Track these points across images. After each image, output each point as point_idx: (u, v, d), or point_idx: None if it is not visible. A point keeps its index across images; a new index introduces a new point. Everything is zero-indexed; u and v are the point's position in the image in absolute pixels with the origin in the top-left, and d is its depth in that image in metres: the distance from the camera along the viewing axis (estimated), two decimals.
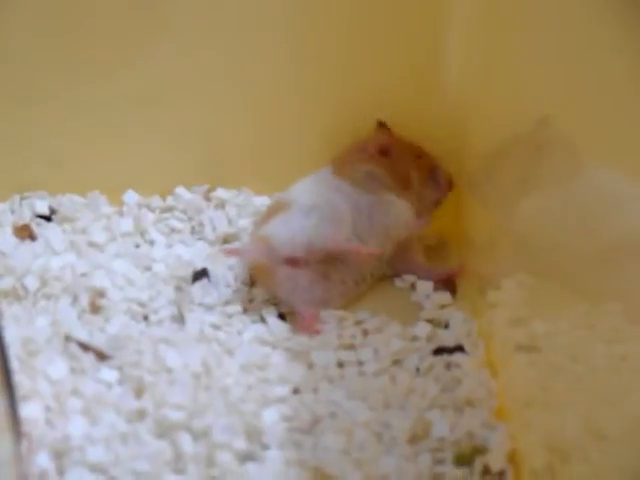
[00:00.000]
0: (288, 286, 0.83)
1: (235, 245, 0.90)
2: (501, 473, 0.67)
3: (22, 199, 0.94)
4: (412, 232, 0.88)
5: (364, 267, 0.86)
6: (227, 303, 0.84)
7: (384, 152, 0.89)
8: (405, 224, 0.87)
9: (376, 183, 0.88)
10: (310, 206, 0.85)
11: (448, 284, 0.88)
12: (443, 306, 0.85)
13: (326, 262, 0.84)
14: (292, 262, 0.83)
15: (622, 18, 0.55)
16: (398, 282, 0.89)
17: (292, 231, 0.83)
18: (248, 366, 0.76)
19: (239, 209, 0.93)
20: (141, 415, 0.71)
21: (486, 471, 0.67)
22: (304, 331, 0.81)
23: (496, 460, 0.67)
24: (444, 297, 0.86)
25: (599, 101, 0.59)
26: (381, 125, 0.90)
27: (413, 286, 0.88)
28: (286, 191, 0.88)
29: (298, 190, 0.87)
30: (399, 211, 0.87)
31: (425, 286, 0.87)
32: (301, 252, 0.83)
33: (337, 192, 0.86)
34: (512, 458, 0.68)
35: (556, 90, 0.66)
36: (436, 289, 0.87)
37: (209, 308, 0.83)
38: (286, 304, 0.84)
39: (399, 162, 0.89)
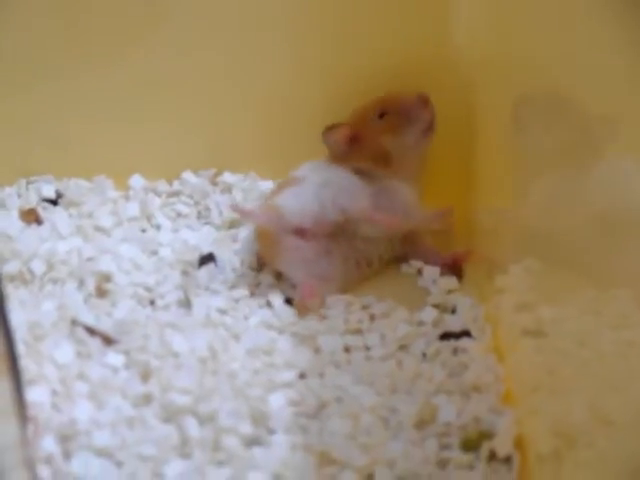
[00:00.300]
0: (293, 257, 0.83)
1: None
2: (507, 458, 0.67)
3: (28, 183, 0.95)
4: (426, 223, 0.88)
5: (373, 248, 0.86)
6: (233, 287, 0.84)
7: (352, 141, 0.87)
8: (413, 210, 0.87)
9: (368, 175, 0.87)
10: (325, 180, 0.85)
11: (455, 269, 0.87)
12: (450, 291, 0.85)
13: (331, 238, 0.84)
14: (300, 232, 0.83)
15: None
16: (405, 267, 0.89)
17: (303, 202, 0.83)
18: (254, 351, 0.76)
19: (245, 193, 0.93)
20: (147, 399, 0.71)
21: (492, 456, 0.67)
22: (301, 305, 0.81)
23: (503, 445, 0.67)
24: (451, 282, 0.85)
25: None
26: (328, 129, 0.88)
27: (420, 271, 0.88)
28: (297, 169, 0.88)
29: (309, 168, 0.87)
30: (404, 197, 0.87)
31: (432, 271, 0.87)
32: (309, 223, 0.83)
33: (345, 174, 0.86)
34: (519, 443, 0.68)
35: (565, 56, 0.66)
36: (442, 274, 0.86)
37: (215, 292, 0.83)
38: (287, 275, 0.84)
39: (367, 142, 0.88)
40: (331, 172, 0.86)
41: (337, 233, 0.84)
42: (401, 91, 0.88)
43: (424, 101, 0.87)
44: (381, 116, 0.88)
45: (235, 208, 0.86)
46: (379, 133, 0.88)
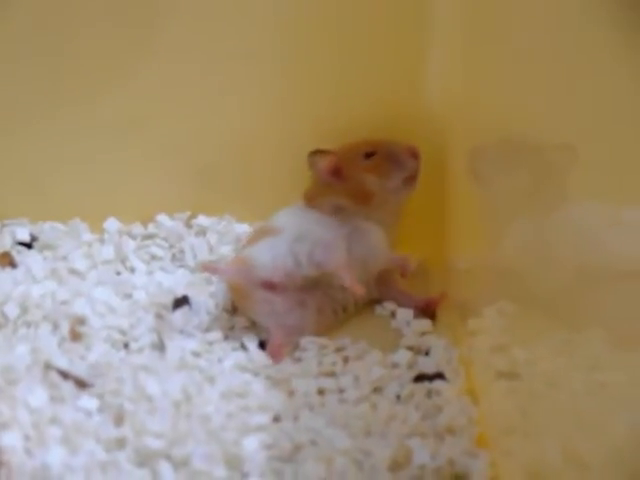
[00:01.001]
0: (264, 309, 0.83)
1: (214, 263, 0.88)
2: None
3: (3, 226, 0.94)
4: (393, 265, 0.87)
5: (349, 294, 0.85)
6: (208, 330, 0.83)
7: (336, 173, 0.87)
8: (382, 252, 0.86)
9: (344, 212, 0.87)
10: (300, 232, 0.84)
11: (428, 311, 0.87)
12: (423, 333, 0.84)
13: (304, 290, 0.83)
14: (269, 286, 0.83)
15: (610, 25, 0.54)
16: (378, 309, 0.88)
17: (276, 255, 0.83)
18: (228, 394, 0.75)
19: (220, 236, 0.93)
20: (121, 443, 0.70)
21: None
22: (270, 357, 0.80)
23: None
24: (424, 324, 0.85)
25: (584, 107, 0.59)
26: (315, 154, 0.87)
27: (393, 314, 0.87)
28: (271, 219, 0.87)
29: (284, 218, 0.87)
30: (376, 240, 0.86)
31: (405, 313, 0.86)
32: (281, 277, 0.82)
33: (320, 222, 0.86)
34: None
35: (539, 96, 0.66)
36: (416, 316, 0.86)
37: (189, 335, 0.82)
38: (261, 326, 0.83)
39: (350, 178, 0.87)
40: (307, 222, 0.85)
41: (311, 284, 0.83)
42: (389, 138, 0.89)
43: (414, 152, 0.88)
44: (369, 155, 0.87)
45: (205, 267, 0.85)
46: (364, 171, 0.87)
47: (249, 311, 0.84)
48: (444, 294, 0.87)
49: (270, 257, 0.83)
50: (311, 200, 0.88)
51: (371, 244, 0.86)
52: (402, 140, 0.89)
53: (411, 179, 0.88)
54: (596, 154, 0.57)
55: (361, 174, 0.87)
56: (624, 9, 0.53)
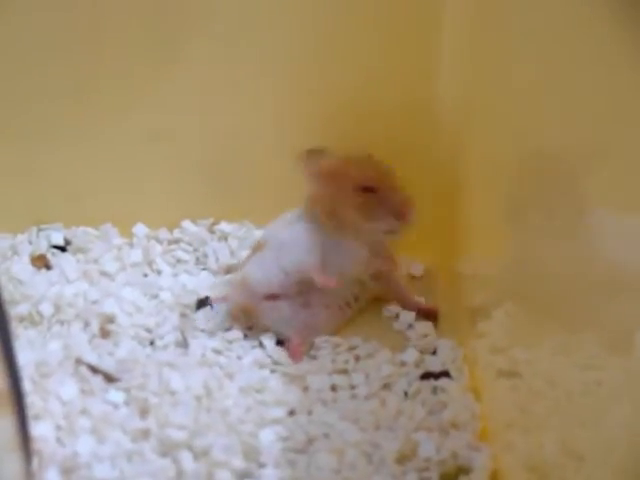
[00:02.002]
0: (273, 317, 0.83)
1: (208, 298, 0.86)
2: None
3: (39, 231, 0.94)
4: (376, 271, 0.85)
5: (347, 290, 0.84)
6: (228, 329, 0.83)
7: (320, 180, 0.82)
8: (357, 264, 0.83)
9: (322, 224, 0.83)
10: (281, 243, 0.83)
11: (430, 315, 0.86)
12: (425, 335, 0.84)
13: (305, 292, 0.83)
14: (272, 297, 0.83)
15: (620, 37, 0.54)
16: (386, 312, 0.87)
17: (266, 270, 0.82)
18: (247, 389, 0.75)
19: (240, 241, 0.93)
20: (145, 434, 0.70)
21: None
22: (291, 358, 0.80)
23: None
24: (426, 327, 0.84)
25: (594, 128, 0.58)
26: (312, 153, 0.83)
27: (397, 316, 0.87)
28: (267, 228, 0.87)
29: (270, 230, 0.86)
30: (347, 253, 0.83)
31: (408, 316, 0.86)
32: (277, 289, 0.82)
33: (299, 230, 0.84)
34: (494, 478, 0.67)
35: (539, 126, 0.66)
36: (418, 319, 0.85)
37: (211, 334, 0.82)
38: (278, 333, 0.83)
39: (336, 200, 0.82)
40: (289, 231, 0.84)
41: (309, 286, 0.82)
42: (396, 176, 0.82)
43: (404, 213, 0.80)
44: (366, 190, 0.81)
45: (212, 301, 0.85)
46: (351, 204, 0.81)
47: (262, 323, 0.83)
48: (436, 308, 0.86)
49: (262, 272, 0.82)
50: (308, 201, 0.85)
51: (343, 257, 0.83)
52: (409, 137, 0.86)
53: (392, 232, 0.82)
54: (605, 158, 0.56)
55: (346, 204, 0.81)
56: (634, 8, 0.52)
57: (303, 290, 0.82)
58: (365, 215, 0.81)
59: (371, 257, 0.83)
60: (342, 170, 0.82)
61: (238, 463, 0.68)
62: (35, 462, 0.65)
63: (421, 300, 0.88)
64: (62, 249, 0.93)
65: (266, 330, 0.83)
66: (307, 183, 0.83)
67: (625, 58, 0.52)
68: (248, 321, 0.83)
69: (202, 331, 0.83)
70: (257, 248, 0.86)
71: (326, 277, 0.81)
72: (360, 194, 0.81)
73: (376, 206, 0.80)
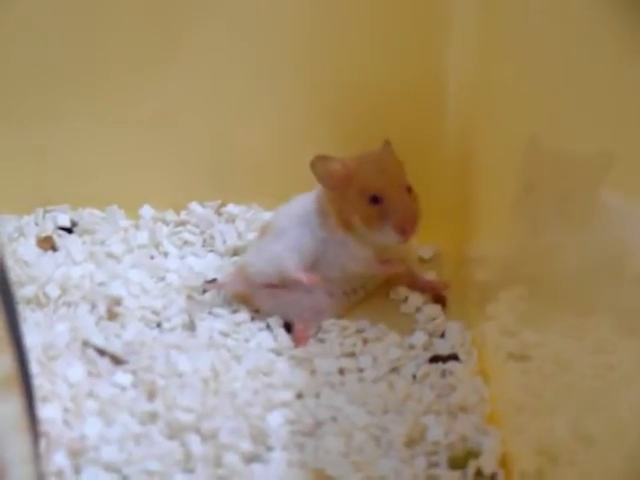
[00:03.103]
0: (271, 305, 0.82)
1: (215, 280, 0.86)
2: (493, 476, 0.66)
3: (45, 212, 0.94)
4: (379, 273, 0.84)
5: (349, 281, 0.83)
6: (235, 312, 0.83)
7: (337, 187, 0.81)
8: (359, 262, 0.82)
9: (329, 220, 0.82)
10: (280, 231, 0.83)
11: (438, 298, 0.86)
12: (434, 318, 0.83)
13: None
14: (271, 286, 0.82)
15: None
16: (392, 295, 0.87)
17: (263, 260, 0.82)
18: (254, 372, 0.75)
19: (248, 223, 0.93)
20: (153, 417, 0.70)
21: (479, 474, 0.66)
22: (296, 343, 0.80)
23: (488, 463, 0.66)
24: (435, 310, 0.84)
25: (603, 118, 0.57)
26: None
27: (406, 299, 0.86)
28: (275, 212, 0.87)
29: (279, 213, 0.85)
30: (350, 251, 0.82)
31: (416, 299, 0.85)
32: (274, 279, 0.82)
33: (306, 220, 0.83)
34: (503, 461, 0.67)
35: (549, 108, 0.65)
36: (426, 302, 0.85)
37: (218, 316, 0.82)
38: (283, 318, 0.82)
39: (346, 202, 0.80)
40: (289, 221, 0.83)
41: (311, 272, 0.81)
42: (406, 179, 0.81)
43: (406, 231, 0.78)
44: (373, 200, 0.79)
45: (209, 287, 0.84)
46: (356, 210, 0.80)
47: (263, 310, 0.83)
48: (447, 282, 0.86)
49: (261, 263, 0.82)
50: (321, 191, 0.84)
51: (345, 255, 0.82)
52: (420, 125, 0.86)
53: (396, 240, 0.80)
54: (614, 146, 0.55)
55: (353, 211, 0.80)
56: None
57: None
58: (368, 225, 0.80)
59: (375, 259, 0.82)
60: (350, 176, 0.80)
61: (246, 446, 0.67)
62: (42, 445, 0.65)
63: (431, 277, 0.88)
64: (68, 231, 0.93)
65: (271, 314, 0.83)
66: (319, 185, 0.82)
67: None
68: (249, 307, 0.83)
69: (209, 313, 0.82)
70: (263, 232, 0.85)
71: (309, 276, 0.81)
72: (365, 203, 0.80)
73: (380, 217, 0.79)
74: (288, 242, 0.82)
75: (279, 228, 0.83)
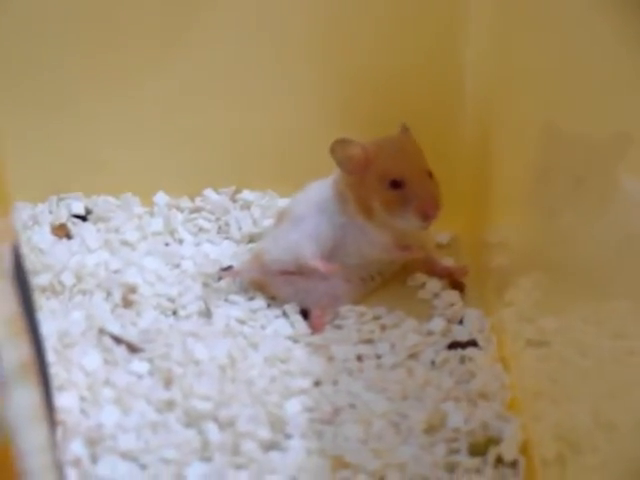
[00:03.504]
0: (287, 292, 0.82)
1: (231, 267, 0.86)
2: (514, 463, 0.66)
3: (59, 200, 0.94)
4: (399, 259, 0.84)
5: (367, 268, 0.83)
6: (251, 299, 0.82)
7: (357, 171, 0.80)
8: (378, 248, 0.82)
9: (348, 206, 0.81)
10: (298, 218, 0.82)
11: (457, 284, 0.85)
12: (452, 304, 0.83)
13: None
14: (287, 273, 0.82)
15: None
16: (410, 281, 0.86)
17: (280, 247, 0.82)
18: (271, 359, 0.74)
19: (263, 210, 0.92)
20: (170, 405, 0.70)
21: (499, 461, 0.66)
22: (312, 329, 0.79)
23: (509, 450, 0.66)
24: (453, 296, 0.83)
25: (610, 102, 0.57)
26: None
27: (423, 285, 0.86)
28: (292, 199, 0.86)
29: (296, 199, 0.85)
30: (369, 237, 0.81)
31: (433, 285, 0.85)
32: (291, 267, 0.81)
33: (324, 206, 0.82)
34: (524, 448, 0.67)
35: (568, 92, 0.64)
36: (444, 288, 0.84)
37: (234, 303, 0.82)
38: (299, 305, 0.82)
39: (366, 187, 0.80)
40: (308, 208, 0.82)
41: (329, 259, 0.81)
42: (425, 163, 0.80)
43: (429, 214, 0.78)
44: (394, 185, 0.79)
45: (224, 274, 0.84)
46: (378, 196, 0.79)
47: (279, 297, 0.82)
48: (466, 268, 0.86)
49: (278, 250, 0.82)
50: (339, 176, 0.83)
51: (364, 240, 0.81)
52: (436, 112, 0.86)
53: (417, 224, 0.79)
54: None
55: (373, 195, 0.79)
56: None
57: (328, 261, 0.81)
58: (390, 210, 0.79)
59: (395, 244, 0.82)
60: (370, 161, 0.80)
61: (264, 434, 0.67)
62: (59, 433, 0.65)
63: (450, 262, 0.87)
64: (83, 218, 0.93)
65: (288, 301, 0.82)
66: (339, 170, 0.82)
67: None
68: (265, 294, 0.83)
69: (225, 300, 0.82)
70: (280, 219, 0.85)
71: (327, 265, 0.80)
72: (386, 188, 0.79)
73: (401, 202, 0.78)
74: (306, 230, 0.81)
75: (296, 215, 0.83)
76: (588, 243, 0.62)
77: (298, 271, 0.81)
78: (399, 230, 0.81)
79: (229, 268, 0.85)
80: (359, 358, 0.76)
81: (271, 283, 0.82)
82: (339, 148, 0.79)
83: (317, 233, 0.81)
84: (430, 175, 0.80)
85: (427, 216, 0.78)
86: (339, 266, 0.80)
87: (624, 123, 0.55)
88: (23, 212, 0.92)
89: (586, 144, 0.61)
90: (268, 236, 0.85)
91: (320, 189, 0.84)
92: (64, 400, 0.69)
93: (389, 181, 0.79)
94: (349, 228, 0.81)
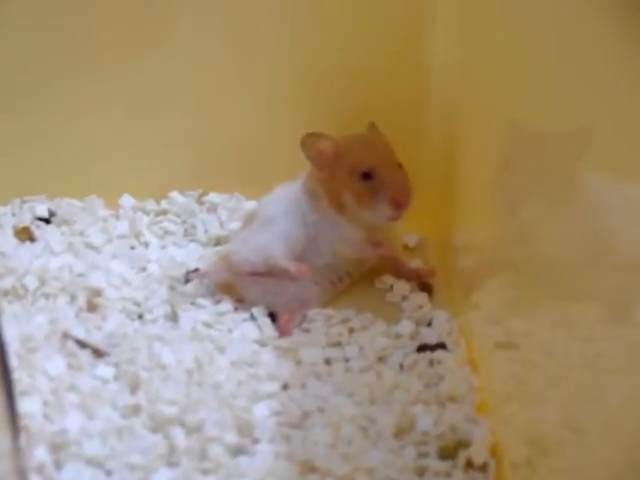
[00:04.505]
0: (256, 293, 0.81)
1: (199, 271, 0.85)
2: (483, 466, 0.66)
3: (23, 202, 0.93)
4: (370, 257, 0.84)
5: (336, 269, 0.83)
6: (218, 302, 0.82)
7: (326, 165, 0.80)
8: (350, 245, 0.82)
9: (319, 201, 0.82)
10: (267, 219, 0.82)
11: (425, 286, 0.85)
12: (420, 306, 0.82)
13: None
14: (256, 275, 0.81)
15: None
16: (378, 283, 0.86)
17: (250, 248, 0.81)
18: (239, 363, 0.74)
19: (230, 213, 0.92)
20: (136, 410, 0.69)
21: (469, 464, 0.66)
22: (280, 333, 0.79)
23: (478, 453, 0.66)
24: (421, 298, 0.83)
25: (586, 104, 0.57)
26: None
27: (391, 287, 0.85)
28: (259, 201, 0.86)
29: (265, 201, 0.85)
30: (341, 233, 0.82)
31: (402, 288, 0.84)
32: (261, 268, 0.81)
33: (294, 205, 0.82)
34: (494, 451, 0.67)
35: (536, 90, 0.64)
36: (413, 290, 0.84)
37: (201, 307, 0.81)
38: (267, 308, 0.81)
39: (336, 181, 0.80)
40: (276, 208, 0.82)
41: (299, 261, 0.81)
42: (395, 156, 0.81)
43: (400, 202, 0.78)
44: (364, 176, 0.79)
45: (191, 276, 0.83)
46: (348, 188, 0.80)
47: (247, 299, 0.82)
48: (433, 270, 0.86)
49: (247, 250, 0.81)
50: (308, 175, 0.83)
51: (337, 236, 0.82)
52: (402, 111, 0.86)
53: (388, 219, 0.80)
54: (608, 134, 0.55)
55: (344, 188, 0.80)
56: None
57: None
58: (361, 202, 0.79)
59: (366, 241, 0.82)
60: (340, 154, 0.80)
61: (232, 438, 0.66)
62: (23, 439, 0.64)
63: (417, 264, 0.87)
64: (46, 221, 0.91)
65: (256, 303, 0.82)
66: (310, 164, 0.82)
67: (617, 29, 0.51)
68: (233, 296, 0.82)
69: (192, 304, 0.81)
70: (248, 221, 0.84)
71: (298, 265, 0.80)
72: (357, 180, 0.79)
73: (373, 193, 0.79)
74: (276, 231, 0.81)
75: (266, 216, 0.82)
76: (551, 242, 0.62)
77: (267, 272, 0.81)
78: (370, 226, 0.81)
79: (196, 271, 0.84)
80: (327, 361, 0.76)
81: (239, 284, 0.82)
82: (309, 142, 0.80)
83: (287, 234, 0.81)
84: (400, 166, 0.80)
85: (399, 204, 0.79)
86: (310, 267, 0.80)
87: (583, 117, 0.56)
88: None
89: (545, 139, 0.62)
90: (236, 237, 0.85)
91: (289, 191, 0.83)
92: (27, 405, 0.68)
93: (359, 173, 0.79)
94: (321, 225, 0.81)
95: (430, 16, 0.86)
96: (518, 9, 0.68)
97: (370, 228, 0.81)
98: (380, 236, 0.83)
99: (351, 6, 0.87)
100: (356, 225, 0.81)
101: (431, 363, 0.75)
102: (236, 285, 0.82)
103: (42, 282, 0.83)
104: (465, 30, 0.82)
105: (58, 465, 0.65)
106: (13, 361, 0.70)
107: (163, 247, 0.89)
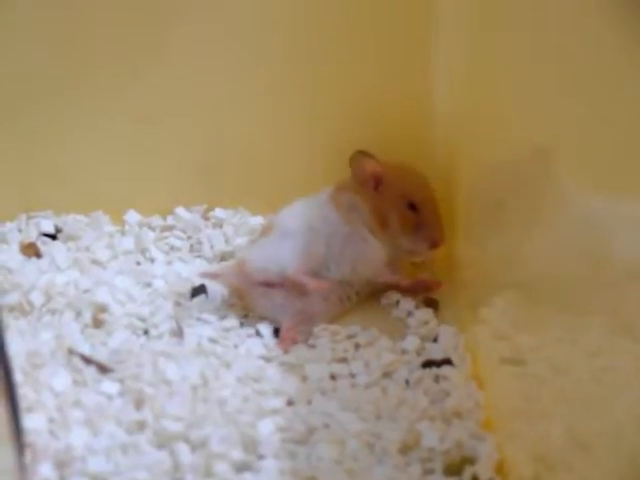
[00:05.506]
0: (264, 305, 0.82)
1: (212, 269, 0.86)
2: None
3: (29, 218, 0.93)
4: (384, 281, 0.85)
5: (347, 287, 0.84)
6: (224, 318, 0.82)
7: (370, 185, 0.85)
8: (373, 264, 0.84)
9: (356, 215, 0.84)
10: (287, 232, 0.83)
11: (430, 302, 0.85)
12: (426, 322, 0.82)
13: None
14: (268, 285, 0.81)
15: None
16: (383, 299, 0.86)
17: (266, 258, 0.82)
18: (244, 379, 0.74)
19: (236, 228, 0.92)
20: (141, 426, 0.69)
21: None
22: (279, 344, 0.79)
23: (484, 470, 0.65)
24: (427, 314, 0.83)
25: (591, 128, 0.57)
26: (362, 154, 0.85)
27: (397, 303, 0.86)
28: (279, 212, 0.86)
29: (285, 213, 0.85)
30: (369, 250, 0.84)
31: (407, 304, 0.85)
32: (274, 278, 0.81)
33: (319, 221, 0.84)
34: (500, 468, 0.66)
35: (543, 113, 0.65)
36: (418, 306, 0.84)
37: (207, 323, 0.81)
38: (274, 322, 0.81)
39: (384, 201, 0.85)
40: (303, 220, 0.83)
41: (312, 275, 0.81)
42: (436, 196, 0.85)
43: (436, 243, 0.84)
44: (410, 207, 0.84)
45: (204, 275, 0.84)
46: (395, 213, 0.84)
47: (253, 309, 0.82)
48: (437, 281, 0.87)
49: (263, 259, 0.82)
50: (339, 189, 0.85)
51: (364, 252, 0.84)
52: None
53: (412, 254, 0.86)
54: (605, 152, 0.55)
55: (392, 210, 0.84)
56: (627, 10, 0.52)
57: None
58: (404, 228, 0.84)
59: (387, 265, 0.85)
60: (390, 178, 0.85)
61: (237, 455, 0.66)
62: (28, 456, 0.64)
63: (423, 276, 0.87)
64: (52, 237, 0.92)
65: (263, 318, 0.82)
66: (358, 179, 0.85)
67: (621, 54, 0.51)
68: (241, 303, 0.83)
69: (197, 320, 0.81)
70: (265, 231, 0.85)
71: (317, 281, 0.80)
72: (404, 207, 0.84)
73: (415, 225, 0.84)
74: (297, 245, 0.82)
75: (285, 229, 0.83)
76: (561, 261, 0.62)
77: (279, 284, 0.81)
78: (397, 252, 0.85)
79: (201, 287, 0.84)
80: (333, 377, 0.75)
81: (248, 293, 0.82)
82: (356, 159, 0.84)
83: (307, 249, 0.82)
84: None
85: (435, 244, 0.84)
86: (328, 284, 0.81)
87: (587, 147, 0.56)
88: None
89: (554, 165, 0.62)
90: (252, 247, 0.85)
91: (312, 206, 0.85)
92: (33, 422, 0.68)
93: (407, 202, 0.84)
94: (351, 238, 0.83)
95: (434, 58, 0.88)
96: (521, 46, 0.68)
97: (395, 255, 0.85)
98: (400, 263, 0.86)
99: (357, 27, 0.88)
100: (385, 247, 0.84)
101: (437, 379, 0.75)
102: (245, 293, 0.82)
103: (48, 298, 0.83)
104: (469, 65, 0.82)
105: None
106: (18, 377, 0.70)
107: (169, 263, 0.89)
